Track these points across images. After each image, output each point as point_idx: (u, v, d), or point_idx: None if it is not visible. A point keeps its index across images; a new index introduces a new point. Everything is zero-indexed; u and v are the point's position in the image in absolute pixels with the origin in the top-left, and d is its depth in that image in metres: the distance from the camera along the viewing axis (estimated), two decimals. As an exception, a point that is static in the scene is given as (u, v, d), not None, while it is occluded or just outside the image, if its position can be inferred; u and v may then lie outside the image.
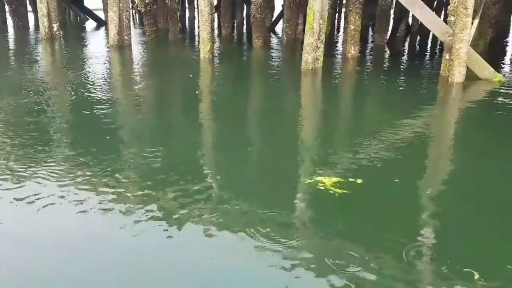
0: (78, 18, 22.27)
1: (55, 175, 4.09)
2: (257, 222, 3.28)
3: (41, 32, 14.46)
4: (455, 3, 8.01)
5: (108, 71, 10.08)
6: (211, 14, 11.11)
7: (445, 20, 9.23)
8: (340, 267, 2.82)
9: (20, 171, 4.17)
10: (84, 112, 6.34)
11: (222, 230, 3.23)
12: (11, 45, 14.74)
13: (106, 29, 14.43)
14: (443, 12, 15.99)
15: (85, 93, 7.44)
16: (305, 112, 7.06)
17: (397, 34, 14.51)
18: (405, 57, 12.28)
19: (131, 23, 21.16)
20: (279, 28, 18.62)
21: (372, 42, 14.56)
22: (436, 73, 8.98)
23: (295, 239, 3.09)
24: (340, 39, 14.74)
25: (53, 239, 3.14)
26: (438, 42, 13.39)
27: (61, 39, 14.66)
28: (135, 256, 2.95)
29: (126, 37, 12.94)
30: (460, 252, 3.03)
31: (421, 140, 5.33)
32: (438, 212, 3.57)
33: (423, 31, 14.84)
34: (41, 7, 14.16)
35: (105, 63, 10.58)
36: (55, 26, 14.48)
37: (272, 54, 12.68)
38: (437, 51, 12.95)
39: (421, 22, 11.00)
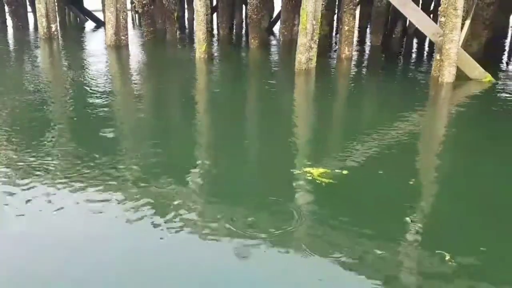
0: (78, 19, 22.39)
1: (52, 171, 4.18)
2: (248, 208, 3.50)
3: (40, 32, 14.58)
4: (445, 4, 8.10)
5: (102, 70, 10.16)
6: (207, 15, 11.21)
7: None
8: (323, 252, 2.99)
9: (16, 170, 4.25)
10: (75, 110, 6.43)
11: (215, 219, 3.37)
12: (9, 44, 14.86)
13: (105, 30, 14.53)
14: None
15: (75, 92, 7.55)
16: (296, 110, 7.19)
17: (393, 35, 14.61)
18: (399, 58, 12.36)
19: (131, 24, 21.35)
20: (277, 29, 18.71)
21: (368, 43, 14.65)
22: (428, 74, 9.07)
23: (282, 224, 3.30)
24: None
25: (52, 239, 3.17)
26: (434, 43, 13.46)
27: (60, 39, 14.77)
28: (133, 255, 2.98)
29: (123, 37, 13.05)
30: (438, 235, 3.27)
31: (406, 137, 5.48)
32: (417, 200, 3.81)
33: (420, 32, 14.91)
34: (40, 8, 14.28)
35: (100, 63, 10.68)
36: (54, 27, 14.58)
37: (268, 55, 12.78)
38: (432, 52, 13.02)
39: (415, 23, 11.08)
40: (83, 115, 6.20)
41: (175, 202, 3.62)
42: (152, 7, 14.39)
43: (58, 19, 15.25)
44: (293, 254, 3.00)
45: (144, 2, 13.94)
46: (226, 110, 6.79)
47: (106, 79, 9.00)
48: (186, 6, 24.06)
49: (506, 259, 2.99)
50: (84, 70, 9.72)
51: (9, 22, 18.46)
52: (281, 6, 15.11)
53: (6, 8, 18.40)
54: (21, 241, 3.16)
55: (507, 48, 14.20)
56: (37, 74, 9.44)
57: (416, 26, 9.30)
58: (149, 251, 3.02)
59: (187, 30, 19.66)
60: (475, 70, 8.36)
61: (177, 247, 3.10)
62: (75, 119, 6.10)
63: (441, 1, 8.32)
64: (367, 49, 13.60)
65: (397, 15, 14.31)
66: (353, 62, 11.04)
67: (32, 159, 4.47)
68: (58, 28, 15.04)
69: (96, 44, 14.47)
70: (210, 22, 18.35)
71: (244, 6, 21.28)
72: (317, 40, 9.57)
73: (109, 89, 8.01)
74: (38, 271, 2.83)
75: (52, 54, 12.80)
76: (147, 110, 6.85)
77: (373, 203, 3.71)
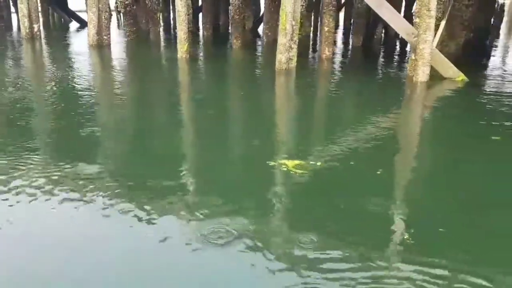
0: (62, 19, 22.31)
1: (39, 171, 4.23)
2: (226, 197, 3.73)
3: (22, 33, 14.54)
4: (419, 5, 8.27)
5: (80, 69, 10.16)
6: (188, 15, 11.29)
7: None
8: (293, 239, 3.15)
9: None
10: (50, 108, 6.47)
11: (200, 212, 3.50)
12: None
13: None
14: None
15: (52, 90, 7.57)
16: (274, 108, 7.36)
17: (374, 36, 14.79)
18: (379, 58, 12.55)
19: (116, 24, 21.30)
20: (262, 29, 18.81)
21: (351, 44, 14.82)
22: (405, 73, 9.24)
23: (255, 210, 3.54)
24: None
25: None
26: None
27: (42, 39, 14.73)
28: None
29: (105, 37, 13.08)
30: (399, 216, 3.54)
31: (378, 132, 5.71)
32: (382, 187, 4.06)
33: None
34: (22, 8, 14.24)
35: (79, 62, 10.71)
36: (36, 27, 14.55)
37: (250, 55, 12.88)
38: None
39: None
40: (57, 114, 6.24)
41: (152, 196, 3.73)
42: (135, 7, 14.43)
43: (41, 19, 15.23)
44: (259, 239, 3.15)
45: (126, 2, 13.99)
46: (205, 109, 6.88)
47: (83, 78, 9.03)
48: (171, 6, 24.09)
49: (465, 236, 3.20)
50: (63, 69, 9.72)
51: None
52: (264, 7, 15.23)
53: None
54: (19, 241, 3.18)
55: (486, 49, 14.43)
56: (14, 73, 9.43)
57: (391, 26, 9.46)
58: (145, 250, 3.05)
59: (173, 30, 19.65)
60: (449, 70, 8.55)
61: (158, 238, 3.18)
62: (48, 118, 6.14)
63: (415, 2, 8.50)
64: (349, 50, 13.77)
65: (377, 17, 14.49)
66: (333, 63, 11.19)
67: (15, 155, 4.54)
68: (41, 28, 15.01)
69: (78, 44, 14.45)
70: (196, 22, 18.50)
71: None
72: (297, 41, 9.69)
73: (85, 87, 8.05)
74: (38, 271, 2.85)
75: (33, 54, 12.78)
76: (124, 108, 6.90)
77: (341, 191, 3.97)
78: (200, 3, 20.50)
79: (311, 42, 15.16)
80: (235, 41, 13.56)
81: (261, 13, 19.68)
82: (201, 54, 12.71)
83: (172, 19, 23.70)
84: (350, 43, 14.85)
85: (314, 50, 13.28)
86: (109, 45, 13.13)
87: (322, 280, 2.72)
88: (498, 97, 7.53)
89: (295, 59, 9.73)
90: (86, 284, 2.72)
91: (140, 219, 3.39)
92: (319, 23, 18.26)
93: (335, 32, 17.22)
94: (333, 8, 11.29)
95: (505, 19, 21.93)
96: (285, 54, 9.57)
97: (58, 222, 3.40)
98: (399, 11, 15.43)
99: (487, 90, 8.18)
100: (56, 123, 5.87)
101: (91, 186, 3.89)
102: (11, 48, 13.42)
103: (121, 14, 17.89)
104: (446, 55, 9.14)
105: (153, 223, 3.36)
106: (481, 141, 5.36)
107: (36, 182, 3.97)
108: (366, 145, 5.19)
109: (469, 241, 3.22)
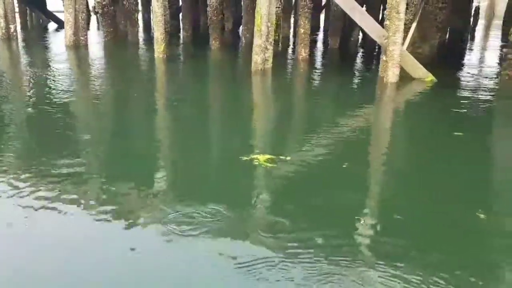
0: (41, 20, 22.07)
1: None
2: (200, 189, 4.01)
3: (-2, 33, 14.37)
4: (389, 8, 8.46)
5: (55, 69, 10.13)
6: (164, 15, 11.33)
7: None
8: (263, 227, 3.39)
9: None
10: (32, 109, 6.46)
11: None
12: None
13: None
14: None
15: (22, 91, 7.55)
16: (248, 107, 7.49)
17: (351, 38, 15.00)
18: (354, 60, 12.74)
19: (95, 25, 21.17)
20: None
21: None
22: (378, 74, 9.42)
23: (227, 200, 3.78)
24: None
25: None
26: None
27: (19, 39, 14.59)
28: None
29: (82, 38, 13.04)
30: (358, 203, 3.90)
31: (347, 129, 6.02)
32: (345, 178, 4.42)
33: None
34: (-2, 8, 14.09)
35: (55, 62, 10.67)
36: (12, 27, 14.40)
37: (228, 56, 12.95)
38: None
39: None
40: (27, 114, 6.24)
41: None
42: (113, 8, 14.39)
43: (19, 20, 15.07)
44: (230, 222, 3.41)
45: (104, 3, 13.95)
46: (181, 109, 6.99)
47: (56, 78, 9.00)
48: (151, 8, 24.02)
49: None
50: (38, 69, 9.68)
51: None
52: (243, 9, 15.33)
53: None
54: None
55: (461, 50, 14.74)
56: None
57: (363, 28, 9.64)
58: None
59: (152, 31, 19.61)
60: (418, 71, 8.76)
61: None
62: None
63: (386, 5, 8.68)
64: (325, 51, 13.95)
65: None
66: (309, 64, 11.33)
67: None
68: (18, 29, 14.86)
69: (55, 44, 14.35)
70: (177, 23, 18.48)
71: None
72: (273, 42, 9.81)
73: (59, 87, 8.03)
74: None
75: (9, 54, 12.66)
76: (97, 107, 6.93)
77: (307, 182, 4.30)
78: (181, 3, 20.53)
79: (290, 44, 15.29)
80: (213, 42, 13.62)
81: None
82: (179, 54, 12.75)
83: (152, 19, 23.67)
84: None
85: (293, 52, 13.42)
86: (86, 45, 13.09)
87: (286, 267, 2.90)
88: (463, 96, 7.79)
89: (271, 60, 9.85)
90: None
91: (111, 212, 3.56)
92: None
93: (316, 34, 17.48)
94: (309, 10, 11.44)
95: (480, 21, 22.40)
96: (261, 55, 9.68)
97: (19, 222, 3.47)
98: (378, 15, 15.74)
99: (454, 90, 8.41)
100: (26, 123, 5.88)
101: (58, 185, 3.97)
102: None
103: (99, 14, 17.81)
104: (420, 56, 9.36)
105: (123, 213, 3.52)
106: (443, 137, 5.61)
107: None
108: (334, 141, 5.47)
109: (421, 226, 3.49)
